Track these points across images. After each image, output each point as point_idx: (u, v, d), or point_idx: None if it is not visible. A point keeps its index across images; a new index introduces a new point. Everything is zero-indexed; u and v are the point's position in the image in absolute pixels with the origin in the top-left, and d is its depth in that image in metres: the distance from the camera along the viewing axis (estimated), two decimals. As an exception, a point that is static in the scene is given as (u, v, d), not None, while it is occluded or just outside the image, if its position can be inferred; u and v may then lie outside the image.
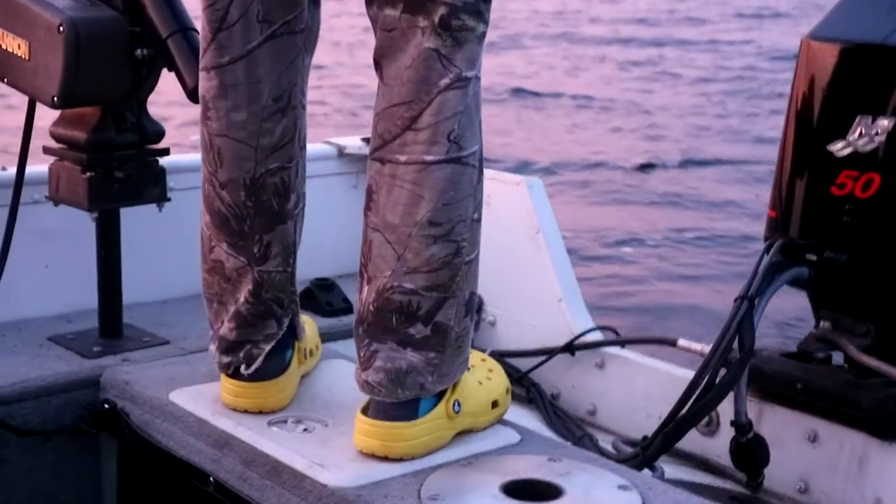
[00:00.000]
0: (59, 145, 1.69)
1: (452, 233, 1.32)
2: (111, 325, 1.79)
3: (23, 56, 1.60)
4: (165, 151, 1.74)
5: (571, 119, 9.68)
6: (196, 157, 1.86)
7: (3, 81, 1.65)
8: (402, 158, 1.30)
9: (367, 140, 1.90)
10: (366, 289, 1.33)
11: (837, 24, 1.68)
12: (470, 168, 1.32)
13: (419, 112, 1.29)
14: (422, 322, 1.31)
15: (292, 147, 1.45)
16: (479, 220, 1.36)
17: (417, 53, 1.29)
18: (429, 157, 1.29)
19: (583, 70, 12.74)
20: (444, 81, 1.28)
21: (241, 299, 1.44)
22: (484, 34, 1.32)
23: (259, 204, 1.43)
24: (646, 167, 7.93)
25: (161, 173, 1.74)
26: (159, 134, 1.72)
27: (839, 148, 1.60)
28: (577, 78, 11.92)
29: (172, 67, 1.59)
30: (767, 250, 1.66)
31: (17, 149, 1.80)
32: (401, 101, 1.30)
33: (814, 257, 1.65)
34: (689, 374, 1.67)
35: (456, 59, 1.28)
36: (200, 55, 1.41)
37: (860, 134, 1.58)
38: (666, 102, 11.07)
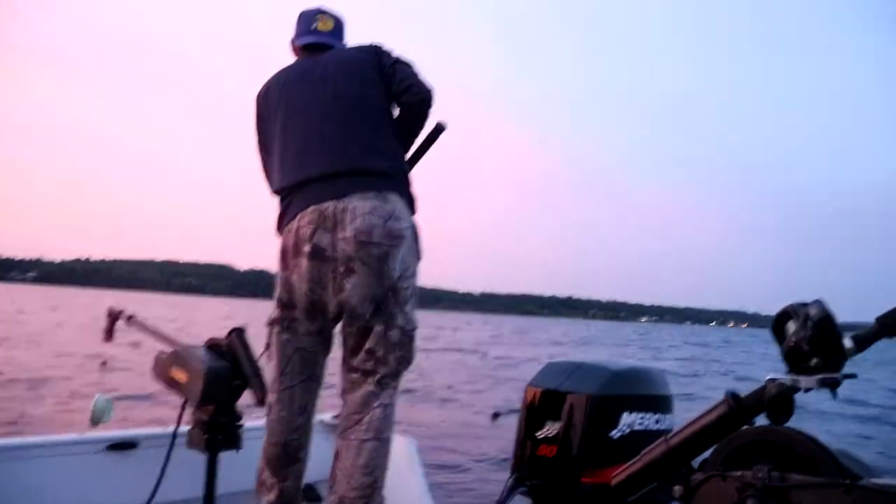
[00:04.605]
0: (195, 421, 2.19)
1: (374, 472, 1.78)
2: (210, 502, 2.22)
3: (182, 381, 2.17)
4: (241, 426, 2.19)
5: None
6: (252, 426, 2.31)
7: (172, 391, 2.18)
8: (353, 436, 1.80)
9: (336, 416, 2.11)
10: (332, 497, 1.82)
11: (541, 378, 2.24)
12: (386, 444, 1.81)
13: (362, 417, 1.80)
14: None
15: (305, 427, 1.96)
16: (386, 468, 1.83)
17: (364, 392, 1.81)
18: (364, 437, 1.79)
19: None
20: (375, 404, 1.80)
21: (273, 498, 1.95)
22: (397, 385, 1.82)
23: (286, 453, 1.93)
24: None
25: (240, 436, 2.19)
26: (239, 417, 2.21)
27: (540, 433, 2.13)
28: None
29: (250, 389, 2.15)
30: (511, 476, 2.15)
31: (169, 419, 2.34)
32: (355, 412, 1.82)
33: (529, 483, 2.13)
34: None
35: (381, 395, 1.81)
36: (272, 382, 1.90)
37: (548, 428, 2.11)
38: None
